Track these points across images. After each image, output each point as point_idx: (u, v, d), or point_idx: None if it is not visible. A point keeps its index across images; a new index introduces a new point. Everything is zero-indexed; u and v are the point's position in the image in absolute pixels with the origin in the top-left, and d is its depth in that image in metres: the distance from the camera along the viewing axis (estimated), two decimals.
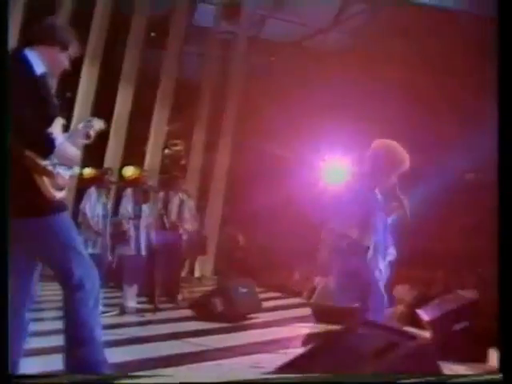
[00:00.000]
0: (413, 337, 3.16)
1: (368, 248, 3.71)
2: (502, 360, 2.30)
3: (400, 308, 6.44)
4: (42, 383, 2.51)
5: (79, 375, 2.54)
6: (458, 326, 4.21)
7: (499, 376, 2.30)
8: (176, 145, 12.88)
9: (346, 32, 13.30)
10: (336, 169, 12.26)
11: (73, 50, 2.83)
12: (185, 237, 7.96)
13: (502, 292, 2.40)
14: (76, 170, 2.99)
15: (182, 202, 7.93)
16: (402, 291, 7.29)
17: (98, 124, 2.95)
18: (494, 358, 4.28)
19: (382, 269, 3.86)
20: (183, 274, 9.91)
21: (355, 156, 11.12)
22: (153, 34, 12.77)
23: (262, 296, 7.74)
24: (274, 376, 3.07)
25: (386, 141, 3.88)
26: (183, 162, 12.40)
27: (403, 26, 11.13)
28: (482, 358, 4.14)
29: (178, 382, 3.37)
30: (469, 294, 4.64)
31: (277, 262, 11.05)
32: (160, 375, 3.74)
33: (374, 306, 3.72)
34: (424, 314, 4.62)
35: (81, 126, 2.91)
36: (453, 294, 4.72)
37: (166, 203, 7.75)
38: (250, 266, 10.70)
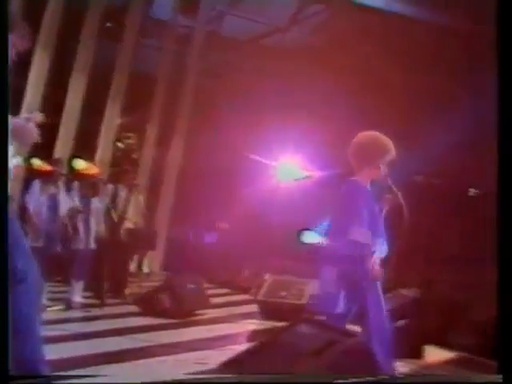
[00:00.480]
0: (352, 334, 3.27)
1: (374, 252, 3.52)
2: (502, 361, 2.36)
3: None
4: None
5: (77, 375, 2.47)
6: (396, 324, 4.33)
7: (499, 377, 2.36)
8: (128, 138, 12.72)
9: (304, 31, 13.44)
10: (289, 167, 12.42)
11: (16, 35, 2.72)
12: (133, 231, 7.89)
13: (501, 293, 2.45)
14: (19, 159, 2.94)
15: (131, 196, 7.85)
16: None
17: (39, 117, 2.90)
18: (430, 354, 4.46)
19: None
20: (132, 269, 9.83)
21: (308, 154, 11.32)
22: (108, 25, 12.55)
23: (211, 292, 7.77)
24: (204, 376, 3.11)
25: (366, 132, 3.67)
26: (135, 155, 12.26)
27: (359, 26, 11.35)
28: (418, 355, 4.29)
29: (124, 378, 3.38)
30: (410, 293, 4.78)
31: (227, 258, 11.09)
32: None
33: (372, 306, 3.62)
34: None
35: (23, 116, 2.86)
36: (393, 293, 4.84)
37: (114, 197, 7.66)
38: (199, 261, 10.71)
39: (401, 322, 4.32)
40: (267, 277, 7.18)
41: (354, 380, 2.84)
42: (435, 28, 10.98)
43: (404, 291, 4.92)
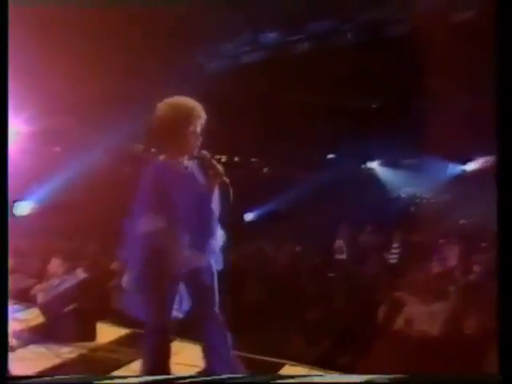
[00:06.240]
0: None
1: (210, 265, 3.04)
2: (501, 362, 2.27)
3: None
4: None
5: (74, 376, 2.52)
6: (67, 308, 4.18)
7: (498, 378, 2.27)
8: None
9: None
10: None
11: None
12: None
13: (501, 292, 2.33)
14: None
15: None
16: (54, 265, 7.15)
17: None
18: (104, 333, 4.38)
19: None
20: None
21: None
22: None
23: None
24: None
25: (165, 100, 2.94)
26: None
27: None
28: (91, 337, 4.21)
29: None
30: (81, 274, 4.63)
31: None
32: None
33: None
34: (39, 297, 4.51)
35: None
36: (70, 275, 4.65)
37: None
38: None
39: (70, 306, 4.17)
40: None
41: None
42: None
43: (79, 271, 4.75)
